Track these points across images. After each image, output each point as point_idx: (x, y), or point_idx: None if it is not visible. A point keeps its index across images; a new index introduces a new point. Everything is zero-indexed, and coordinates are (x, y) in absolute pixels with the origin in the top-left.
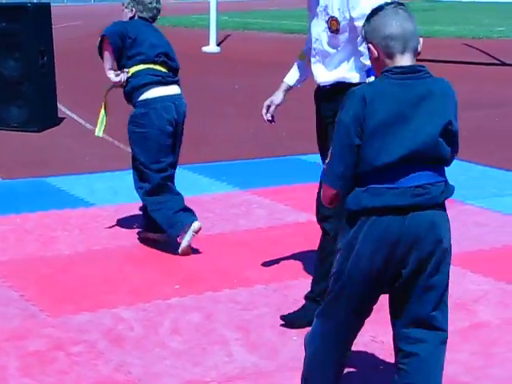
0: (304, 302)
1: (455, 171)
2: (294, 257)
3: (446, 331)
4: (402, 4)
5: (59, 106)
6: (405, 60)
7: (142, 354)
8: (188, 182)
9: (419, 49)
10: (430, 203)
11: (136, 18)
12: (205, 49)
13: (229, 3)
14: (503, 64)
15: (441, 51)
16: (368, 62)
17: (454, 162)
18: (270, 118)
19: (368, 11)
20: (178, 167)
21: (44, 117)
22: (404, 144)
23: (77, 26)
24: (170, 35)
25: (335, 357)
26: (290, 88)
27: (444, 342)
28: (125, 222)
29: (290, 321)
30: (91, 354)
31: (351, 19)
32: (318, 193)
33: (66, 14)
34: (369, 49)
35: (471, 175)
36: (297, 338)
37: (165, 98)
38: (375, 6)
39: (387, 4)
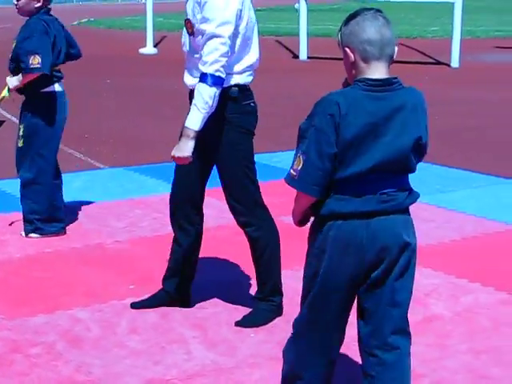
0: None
1: None
2: (241, 255)
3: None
4: (379, 11)
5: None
6: (380, 67)
7: (102, 354)
8: (135, 184)
9: (394, 56)
10: (395, 209)
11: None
12: (142, 50)
13: (163, 4)
14: (438, 62)
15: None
16: None
17: None
18: None
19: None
20: (123, 168)
21: None
22: (375, 157)
23: (7, 29)
24: (105, 37)
25: (321, 361)
26: None
27: (410, 345)
28: (75, 224)
29: (246, 325)
30: (50, 356)
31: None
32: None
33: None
34: (345, 52)
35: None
36: (254, 335)
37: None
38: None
39: (366, 9)
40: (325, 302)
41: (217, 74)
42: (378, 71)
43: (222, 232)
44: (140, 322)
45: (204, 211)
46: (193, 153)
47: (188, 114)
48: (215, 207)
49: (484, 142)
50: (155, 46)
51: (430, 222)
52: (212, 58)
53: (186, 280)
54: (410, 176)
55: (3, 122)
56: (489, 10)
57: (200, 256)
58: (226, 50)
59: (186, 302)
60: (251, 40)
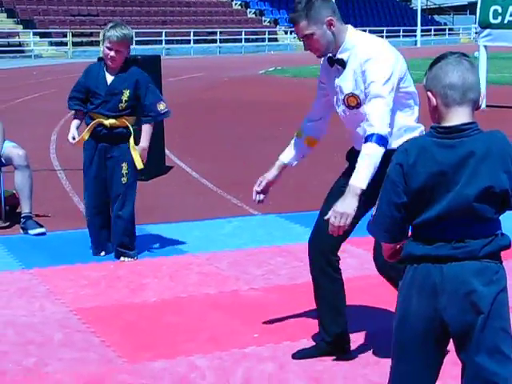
0: None
1: None
2: (377, 307)
3: None
4: (465, 55)
5: (169, 154)
6: (461, 112)
7: None
8: (282, 231)
9: (480, 102)
10: (467, 256)
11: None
12: None
13: None
14: None
15: None
16: None
17: None
18: (259, 199)
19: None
20: (275, 215)
21: (152, 166)
22: (442, 205)
23: (199, 78)
24: (288, 85)
25: None
26: (284, 166)
27: None
28: (214, 270)
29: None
30: None
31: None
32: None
33: (191, 66)
34: (428, 96)
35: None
36: None
37: None
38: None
39: (451, 53)
40: (404, 351)
41: (385, 134)
42: (458, 117)
43: (360, 283)
44: (256, 372)
45: (346, 261)
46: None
47: (355, 172)
48: (358, 257)
49: None
50: None
51: None
52: (383, 118)
53: (343, 326)
54: None
55: (171, 167)
56: None
57: None
58: (389, 109)
59: (345, 349)
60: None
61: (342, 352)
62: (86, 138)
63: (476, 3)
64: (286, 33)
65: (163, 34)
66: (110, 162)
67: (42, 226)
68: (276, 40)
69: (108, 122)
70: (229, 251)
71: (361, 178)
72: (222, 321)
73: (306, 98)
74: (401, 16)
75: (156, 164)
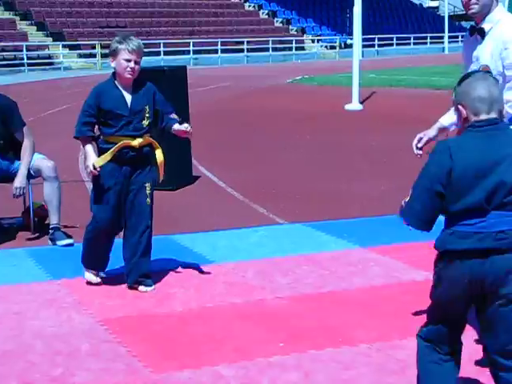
0: None
1: None
2: (405, 316)
3: None
4: (489, 72)
5: (197, 164)
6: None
7: None
8: (308, 240)
9: (504, 112)
10: (510, 247)
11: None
12: (347, 106)
13: (375, 61)
14: None
15: None
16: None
17: None
18: (419, 152)
19: None
20: (301, 224)
21: (179, 176)
22: (486, 189)
23: (226, 87)
24: (315, 94)
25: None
26: (443, 128)
27: None
28: (240, 280)
29: None
30: None
31: (503, 68)
32: None
33: (218, 75)
34: (458, 109)
35: None
36: None
37: None
38: None
39: (477, 71)
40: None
41: None
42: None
43: (387, 291)
44: (280, 381)
45: (372, 269)
46: None
47: None
48: (384, 265)
49: None
50: (362, 102)
51: None
52: None
53: None
54: None
55: (199, 177)
56: None
57: (360, 314)
58: None
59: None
60: None
61: None
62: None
63: None
64: (312, 41)
65: (191, 44)
66: (135, 184)
67: (70, 237)
68: (303, 49)
69: (137, 142)
70: (255, 260)
71: None
72: (248, 330)
73: (332, 107)
74: (428, 23)
75: (183, 174)
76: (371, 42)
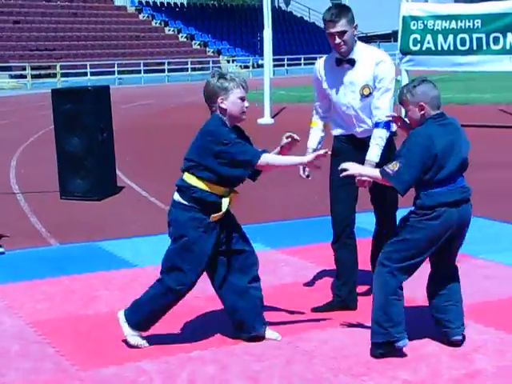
0: None
1: (470, 227)
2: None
3: None
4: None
5: (121, 175)
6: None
7: None
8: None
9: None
10: (469, 197)
11: None
12: (260, 121)
13: (286, 79)
14: None
15: (476, 116)
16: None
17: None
18: (308, 174)
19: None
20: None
21: (104, 187)
22: (456, 161)
23: (149, 105)
24: None
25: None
26: (314, 151)
27: None
28: None
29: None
30: None
31: (374, 82)
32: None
33: (142, 94)
34: (421, 106)
35: (488, 231)
36: None
37: None
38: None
39: (423, 79)
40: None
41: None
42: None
43: (296, 288)
44: (200, 374)
45: (283, 269)
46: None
47: (370, 150)
48: (294, 265)
49: None
50: (273, 116)
51: (492, 279)
52: (390, 108)
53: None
54: (484, 237)
55: (123, 188)
56: None
57: (270, 311)
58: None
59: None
60: None
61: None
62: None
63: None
64: (228, 61)
65: (115, 65)
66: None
67: (0, 246)
68: (219, 68)
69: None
70: None
71: (375, 154)
72: (170, 327)
73: (246, 121)
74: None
75: (108, 185)
76: (281, 62)
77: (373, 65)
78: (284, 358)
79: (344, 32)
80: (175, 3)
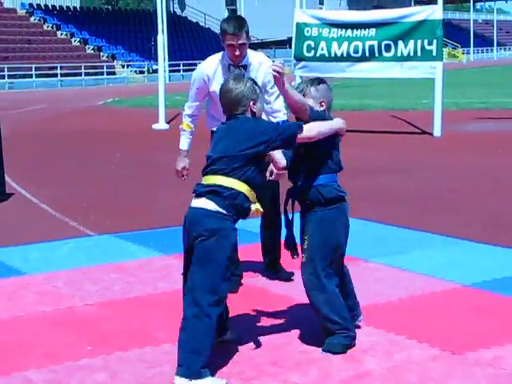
0: None
1: (362, 231)
2: None
3: None
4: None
5: (10, 182)
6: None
7: None
8: (117, 249)
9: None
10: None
11: None
12: (155, 126)
13: (182, 84)
14: (423, 132)
15: (369, 122)
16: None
17: (362, 222)
18: (186, 178)
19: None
20: (111, 235)
21: None
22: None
23: (41, 109)
24: (125, 115)
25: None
26: (187, 151)
27: None
28: (51, 289)
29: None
30: None
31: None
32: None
33: (34, 99)
34: (322, 103)
35: (378, 234)
36: None
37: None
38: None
39: (321, 79)
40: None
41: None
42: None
43: None
44: (88, 382)
45: (175, 274)
46: None
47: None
48: None
49: (448, 206)
50: (168, 122)
51: (382, 281)
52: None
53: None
54: (375, 240)
55: (12, 194)
56: (477, 85)
57: (163, 317)
58: None
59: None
60: None
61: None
62: None
63: None
64: (123, 66)
65: (5, 69)
66: None
67: None
68: (114, 73)
69: None
70: (65, 270)
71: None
72: (57, 336)
73: (141, 127)
74: None
75: None
76: (177, 68)
77: (259, 67)
78: (176, 364)
79: (244, 44)
80: (67, 7)
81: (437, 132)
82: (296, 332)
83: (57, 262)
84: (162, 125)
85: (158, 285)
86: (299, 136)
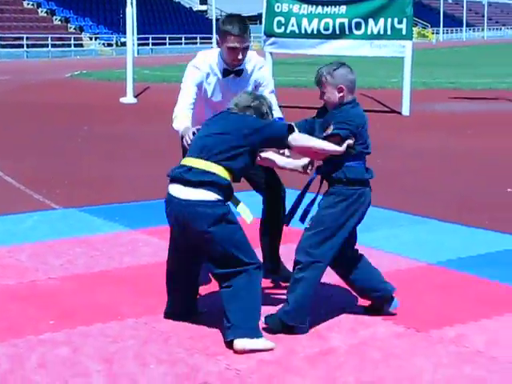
0: None
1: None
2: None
3: None
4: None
5: None
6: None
7: None
8: (82, 223)
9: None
10: None
11: None
12: (122, 100)
13: (150, 57)
14: (392, 111)
15: None
16: None
17: None
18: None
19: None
20: (75, 209)
21: None
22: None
23: (6, 81)
24: (92, 88)
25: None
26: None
27: None
28: (14, 262)
29: None
30: None
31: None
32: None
33: None
34: (340, 89)
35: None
36: (154, 366)
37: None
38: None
39: (341, 62)
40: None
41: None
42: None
43: (155, 270)
44: (50, 356)
45: (141, 249)
46: None
47: None
48: (153, 245)
49: (416, 184)
50: (136, 96)
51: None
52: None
53: None
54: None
55: None
56: (446, 65)
57: (127, 292)
58: None
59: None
60: None
61: None
62: None
63: None
64: (91, 39)
65: None
66: None
67: None
68: (82, 46)
69: None
70: (29, 244)
71: None
72: (20, 310)
73: (109, 100)
74: (198, 25)
75: None
76: (146, 41)
77: (254, 70)
78: (141, 339)
79: (248, 47)
80: None
81: (405, 111)
82: (265, 309)
83: (20, 235)
84: (129, 98)
85: (124, 259)
86: (295, 144)
